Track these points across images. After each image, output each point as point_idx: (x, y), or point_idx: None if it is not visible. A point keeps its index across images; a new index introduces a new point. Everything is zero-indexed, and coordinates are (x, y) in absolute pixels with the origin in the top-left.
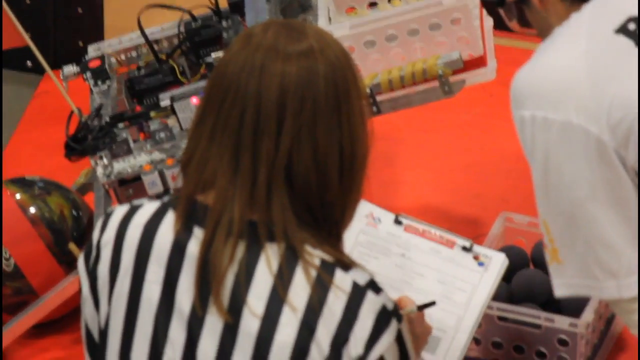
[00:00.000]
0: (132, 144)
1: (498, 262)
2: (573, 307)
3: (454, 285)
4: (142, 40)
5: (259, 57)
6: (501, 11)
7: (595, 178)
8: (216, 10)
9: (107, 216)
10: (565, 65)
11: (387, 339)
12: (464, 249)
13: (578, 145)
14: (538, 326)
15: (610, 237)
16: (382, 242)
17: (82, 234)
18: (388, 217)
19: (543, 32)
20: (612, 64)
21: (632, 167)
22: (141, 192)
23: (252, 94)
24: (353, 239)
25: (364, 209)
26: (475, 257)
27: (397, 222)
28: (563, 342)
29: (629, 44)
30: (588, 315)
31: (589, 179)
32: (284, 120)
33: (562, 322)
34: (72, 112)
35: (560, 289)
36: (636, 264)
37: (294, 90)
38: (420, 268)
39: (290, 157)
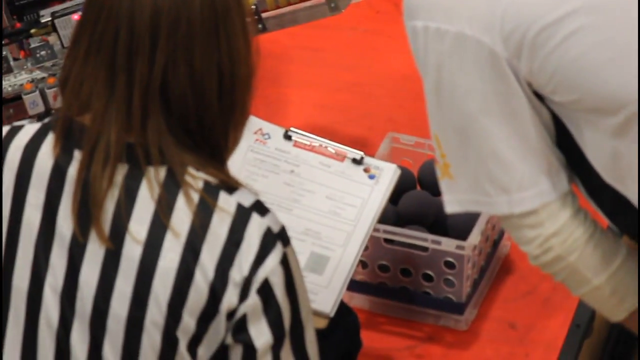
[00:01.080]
0: (12, 62)
1: (389, 173)
2: (460, 229)
3: (343, 200)
4: None
5: None
6: None
7: (487, 90)
8: None
9: None
10: None
11: (272, 261)
12: (355, 161)
13: (471, 56)
14: (425, 249)
15: (502, 152)
16: (271, 160)
17: None
18: (277, 132)
19: None
20: None
21: (525, 79)
22: (22, 112)
23: (125, 14)
24: (241, 157)
25: (253, 126)
26: (366, 170)
27: (287, 137)
28: (450, 265)
29: None
30: (474, 237)
31: (482, 91)
32: (157, 41)
33: (448, 244)
34: None
35: (451, 205)
36: (527, 180)
37: (167, 10)
38: (309, 184)
39: (165, 78)
